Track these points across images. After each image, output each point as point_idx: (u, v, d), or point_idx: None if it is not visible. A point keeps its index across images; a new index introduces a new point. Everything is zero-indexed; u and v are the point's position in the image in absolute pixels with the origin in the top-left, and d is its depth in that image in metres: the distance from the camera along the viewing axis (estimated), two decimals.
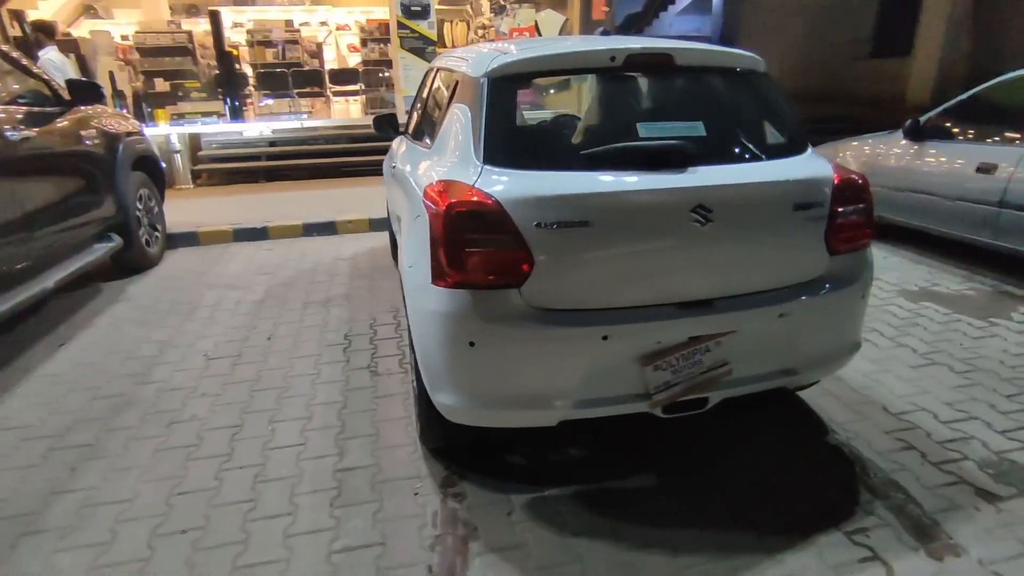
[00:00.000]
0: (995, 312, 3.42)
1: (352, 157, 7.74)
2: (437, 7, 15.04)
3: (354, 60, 13.86)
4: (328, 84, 11.06)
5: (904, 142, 4.54)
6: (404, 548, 1.79)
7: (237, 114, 7.85)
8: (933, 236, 4.36)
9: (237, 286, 4.12)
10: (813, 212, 1.83)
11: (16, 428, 2.46)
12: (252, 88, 10.96)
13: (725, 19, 16.04)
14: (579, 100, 6.46)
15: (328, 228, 5.53)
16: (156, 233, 4.64)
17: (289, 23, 12.87)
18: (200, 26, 11.69)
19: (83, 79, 3.78)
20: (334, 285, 4.13)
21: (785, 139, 1.99)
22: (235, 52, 11.48)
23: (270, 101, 10.07)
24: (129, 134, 4.28)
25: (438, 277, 1.71)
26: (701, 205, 1.69)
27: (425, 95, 2.99)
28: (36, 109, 3.37)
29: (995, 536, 1.80)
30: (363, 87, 11.07)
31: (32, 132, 3.17)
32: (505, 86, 1.87)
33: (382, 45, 12.08)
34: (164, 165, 5.17)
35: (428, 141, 2.40)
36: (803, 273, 1.89)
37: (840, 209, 1.88)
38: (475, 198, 1.66)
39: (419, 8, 8.60)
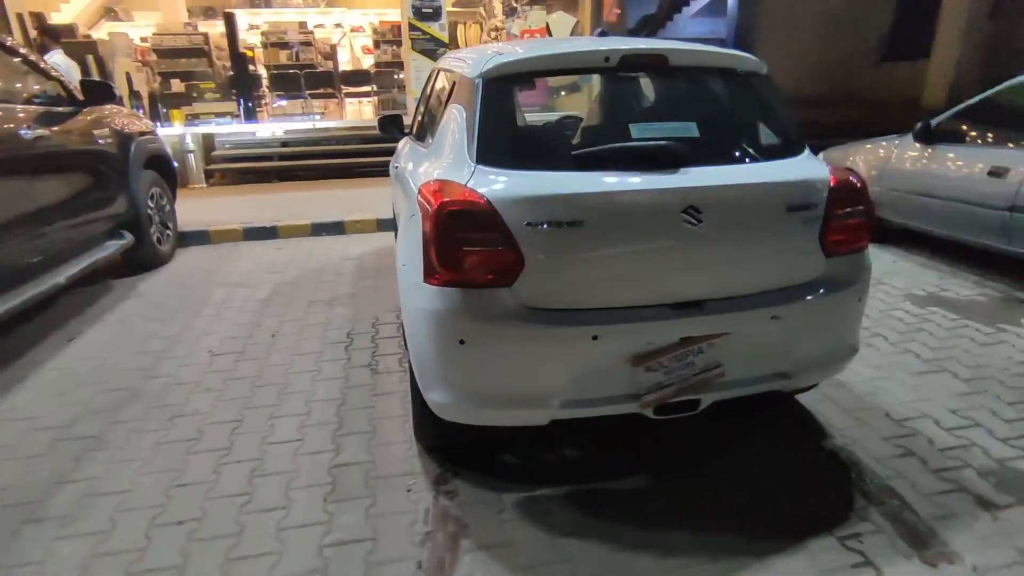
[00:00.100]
0: (1004, 319, 3.36)
1: (362, 158, 7.80)
2: (450, 9, 15.13)
3: (368, 62, 13.97)
4: (340, 86, 11.16)
5: (915, 145, 4.48)
6: (394, 544, 1.81)
7: (250, 115, 7.96)
8: (944, 241, 4.30)
9: (245, 284, 4.18)
10: (807, 214, 1.82)
11: (24, 419, 2.52)
12: (266, 89, 11.10)
13: (739, 22, 15.93)
14: (588, 102, 6.47)
15: (336, 228, 5.58)
16: (167, 231, 4.72)
17: (303, 25, 13.01)
18: (216, 28, 11.85)
19: (96, 80, 3.85)
20: (340, 284, 4.17)
21: (781, 140, 1.99)
22: (251, 54, 11.65)
23: (284, 102, 10.19)
24: (142, 134, 4.36)
25: (429, 275, 1.73)
26: (692, 206, 1.69)
27: (427, 96, 3.01)
28: (50, 109, 3.45)
29: (991, 544, 1.77)
30: (375, 88, 11.15)
31: (45, 131, 3.25)
32: (499, 86, 1.88)
33: (394, 47, 12.18)
34: (176, 164, 5.26)
35: (428, 141, 2.42)
36: (798, 275, 1.88)
37: (836, 211, 1.87)
38: (466, 197, 1.68)
39: (430, 10, 8.66)
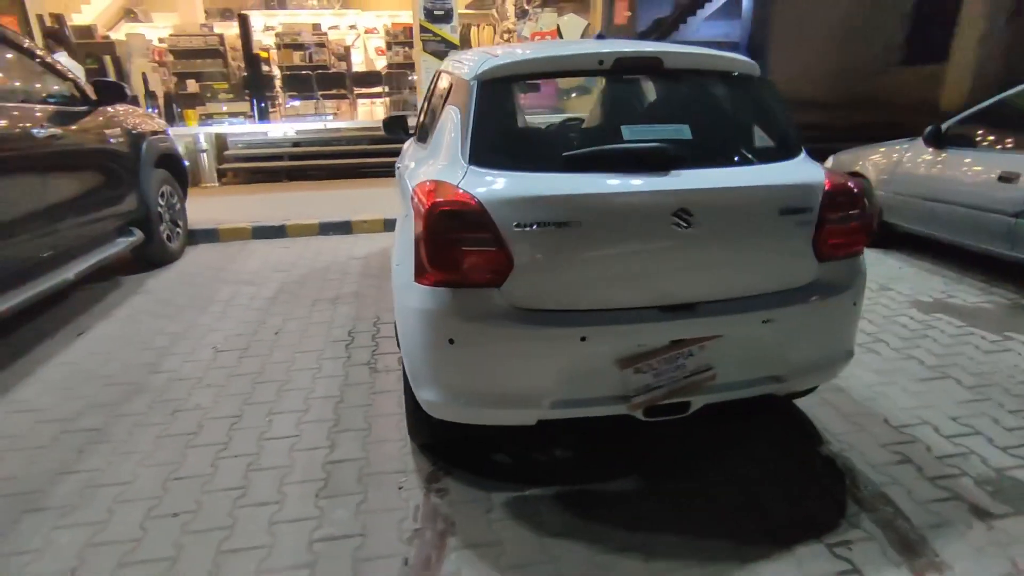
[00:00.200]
0: (1011, 326, 3.31)
1: (372, 159, 7.87)
2: (464, 11, 15.22)
3: (382, 63, 14.09)
4: (352, 87, 11.25)
5: (924, 149, 4.43)
6: (383, 540, 1.83)
7: (263, 115, 8.06)
8: (952, 246, 4.24)
9: (252, 282, 4.24)
10: (801, 217, 1.81)
11: (32, 411, 2.58)
12: (279, 90, 11.22)
13: (754, 25, 15.83)
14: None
15: (344, 227, 5.64)
16: (177, 229, 4.80)
17: (316, 26, 13.15)
18: (232, 29, 12.02)
19: (108, 80, 3.92)
20: (345, 283, 4.21)
21: (776, 143, 1.98)
22: (265, 55, 11.80)
23: (296, 103, 10.30)
24: (153, 133, 4.44)
25: (420, 275, 1.74)
26: (682, 208, 1.69)
27: (430, 97, 3.04)
28: (63, 108, 3.53)
29: (984, 554, 1.75)
30: (386, 89, 11.23)
31: (58, 130, 3.32)
32: (493, 88, 1.90)
33: (406, 48, 12.26)
34: (188, 163, 5.35)
35: (428, 141, 2.44)
36: (790, 279, 1.87)
37: (831, 215, 1.85)
38: (456, 198, 1.69)
39: (442, 12, 8.72)
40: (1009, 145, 3.99)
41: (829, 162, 5.38)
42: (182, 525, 1.89)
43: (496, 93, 1.91)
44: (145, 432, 2.41)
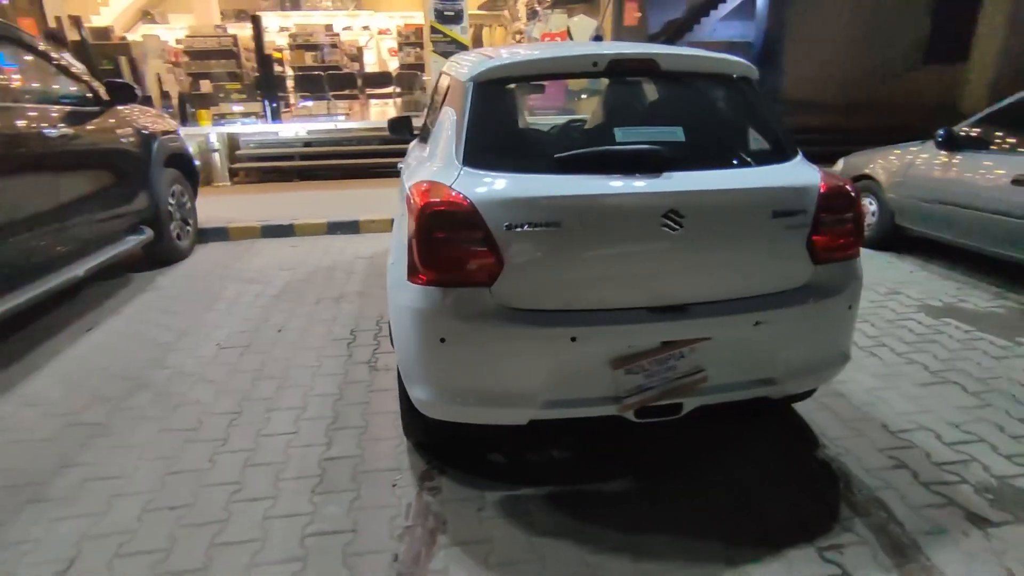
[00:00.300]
0: (1022, 331, 3.26)
1: (382, 159, 7.91)
2: (476, 12, 15.27)
3: (395, 64, 14.19)
4: (362, 87, 11.33)
5: (937, 152, 4.37)
6: (373, 536, 1.84)
7: (275, 115, 8.15)
8: (967, 251, 4.17)
9: (258, 280, 4.29)
10: (794, 220, 1.80)
11: (39, 405, 2.64)
12: (291, 90, 11.34)
13: (769, 26, 15.70)
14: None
15: (352, 227, 5.68)
16: (187, 227, 4.87)
17: (329, 27, 13.26)
18: (247, 30, 12.18)
19: (120, 80, 3.99)
20: (349, 282, 4.25)
21: (771, 145, 1.97)
22: (280, 55, 11.93)
23: (309, 103, 10.40)
24: (164, 133, 4.51)
25: (412, 274, 1.76)
26: (673, 210, 1.69)
27: (433, 98, 3.06)
28: (76, 108, 3.60)
29: (978, 561, 1.73)
30: (397, 90, 11.30)
31: (69, 130, 3.39)
32: (488, 90, 1.91)
33: (418, 49, 12.33)
34: (200, 163, 5.42)
35: (427, 142, 2.46)
36: (784, 282, 1.86)
37: (825, 218, 1.84)
38: (448, 198, 1.71)
39: (452, 13, 8.76)
40: None
41: (839, 165, 5.33)
42: (177, 518, 1.92)
43: (491, 95, 1.92)
44: (146, 427, 2.45)
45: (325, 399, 2.65)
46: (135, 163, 4.06)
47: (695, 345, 1.81)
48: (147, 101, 7.93)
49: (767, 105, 2.05)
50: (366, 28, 15.52)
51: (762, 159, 1.93)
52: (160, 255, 4.52)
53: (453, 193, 1.73)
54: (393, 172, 7.70)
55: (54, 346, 3.22)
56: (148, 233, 4.16)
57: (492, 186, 1.73)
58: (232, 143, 7.77)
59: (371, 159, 7.98)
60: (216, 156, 7.25)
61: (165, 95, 8.11)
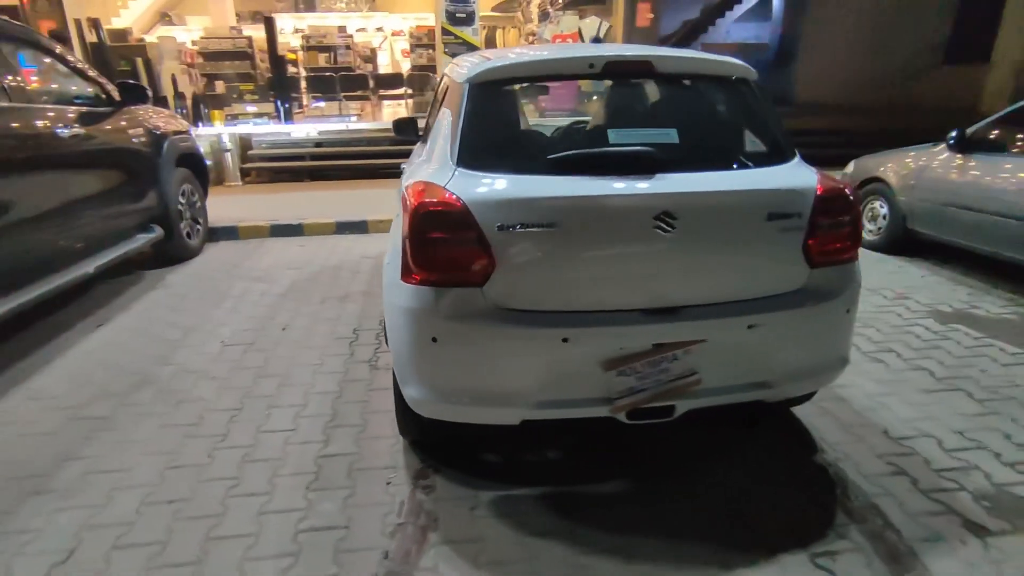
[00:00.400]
0: None
1: (392, 159, 7.96)
2: (490, 13, 15.30)
3: (408, 65, 14.27)
4: (374, 88, 11.41)
5: (949, 155, 4.30)
6: (366, 533, 1.86)
7: (288, 116, 8.24)
8: (980, 255, 4.10)
9: (265, 279, 4.34)
10: (789, 222, 1.79)
11: (46, 398, 2.69)
12: (304, 91, 11.44)
13: (784, 27, 15.56)
14: None
15: (360, 227, 5.72)
16: (197, 226, 4.94)
17: (342, 29, 13.38)
18: (262, 32, 12.32)
19: (132, 81, 4.06)
20: (355, 282, 4.28)
21: (768, 147, 1.95)
22: (294, 56, 12.06)
23: (321, 104, 10.50)
24: (176, 133, 4.58)
25: (406, 273, 1.77)
26: (666, 212, 1.68)
27: (433, 100, 3.08)
28: (88, 109, 3.67)
29: (975, 570, 1.70)
30: (409, 91, 11.37)
31: (81, 130, 3.46)
32: (485, 91, 1.92)
33: (430, 51, 12.38)
34: (212, 163, 5.49)
35: (427, 143, 2.48)
36: (779, 285, 1.84)
37: (822, 221, 1.82)
38: (441, 199, 1.72)
39: (464, 15, 8.80)
40: None
41: (850, 167, 5.26)
42: (175, 512, 1.95)
43: (487, 96, 1.93)
44: (149, 422, 2.49)
45: (325, 397, 2.67)
46: (146, 162, 4.13)
47: (688, 348, 1.80)
48: (162, 102, 8.08)
49: (766, 107, 2.03)
50: (380, 29, 15.64)
51: (759, 161, 1.92)
52: (170, 253, 4.58)
53: (447, 194, 1.74)
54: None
55: (64, 341, 3.28)
56: (158, 231, 4.23)
57: (485, 187, 1.74)
58: (244, 143, 7.86)
59: (381, 160, 8.03)
60: (228, 156, 7.34)
61: (180, 95, 8.22)
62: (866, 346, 3.14)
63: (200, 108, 7.74)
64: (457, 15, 8.84)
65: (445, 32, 8.81)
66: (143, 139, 4.11)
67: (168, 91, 8.53)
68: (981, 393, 2.67)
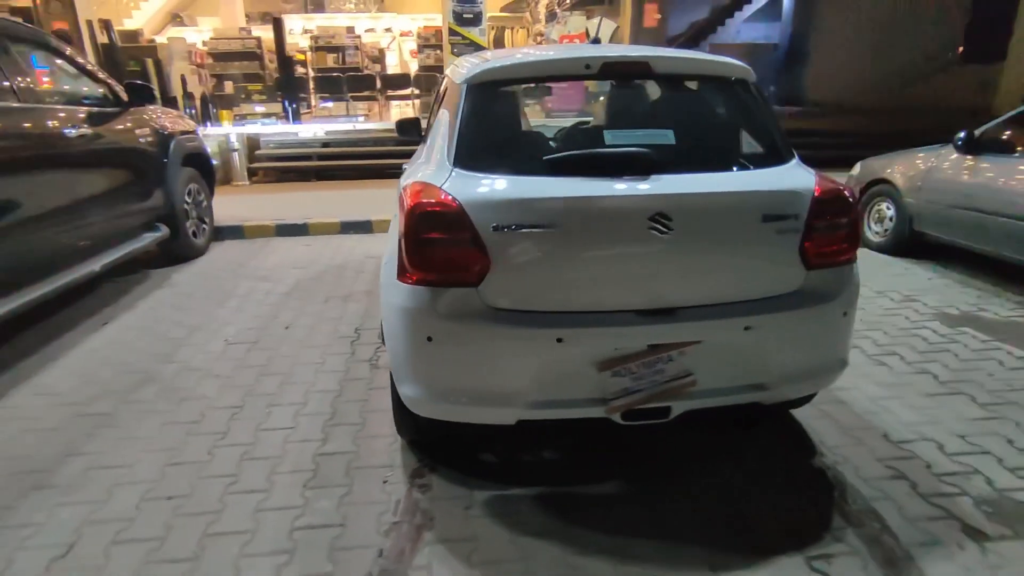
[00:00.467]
0: None
1: (397, 159, 8.00)
2: (499, 14, 15.31)
3: (416, 66, 14.32)
4: (382, 89, 11.45)
5: (957, 156, 4.26)
6: (361, 531, 1.87)
7: (295, 116, 8.30)
8: (989, 258, 4.05)
9: (269, 278, 4.37)
10: (785, 224, 1.78)
11: (51, 395, 2.73)
12: (312, 91, 11.51)
13: (794, 27, 15.46)
14: None
15: (364, 227, 5.75)
16: (204, 225, 4.98)
17: (350, 29, 13.44)
18: (270, 32, 12.41)
19: (139, 82, 4.11)
20: (358, 281, 4.30)
21: (766, 148, 1.95)
22: (302, 57, 12.13)
23: (329, 104, 10.55)
24: (183, 133, 4.63)
25: (401, 273, 1.78)
26: (660, 213, 1.68)
27: (433, 101, 3.09)
28: (96, 109, 3.72)
29: (972, 575, 1.68)
30: (416, 91, 11.41)
31: (88, 130, 3.50)
32: (481, 92, 1.93)
33: (438, 51, 12.40)
34: (219, 163, 5.54)
35: (426, 143, 2.49)
36: (775, 286, 1.83)
37: (819, 223, 1.81)
38: (436, 199, 1.73)
39: (471, 16, 8.81)
40: None
41: (856, 168, 5.22)
42: (174, 508, 1.97)
43: (484, 97, 1.93)
44: (151, 419, 2.52)
45: (325, 395, 2.69)
46: (152, 162, 4.17)
47: (684, 349, 1.80)
48: (171, 102, 8.15)
49: (765, 108, 2.02)
50: (388, 30, 15.71)
51: (756, 162, 1.91)
52: (176, 252, 4.63)
53: (443, 194, 1.75)
54: None
55: (70, 339, 3.32)
56: (164, 230, 4.28)
57: (480, 187, 1.74)
58: (252, 143, 7.92)
59: (387, 160, 8.06)
60: (236, 156, 7.40)
61: (189, 96, 8.30)
62: (871, 349, 3.11)
63: (209, 108, 7.81)
64: (464, 15, 8.86)
65: (452, 33, 8.83)
66: (150, 139, 4.16)
67: (177, 91, 8.62)
68: (985, 397, 2.64)
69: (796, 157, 1.97)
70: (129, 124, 3.99)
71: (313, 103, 11.09)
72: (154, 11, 13.57)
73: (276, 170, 8.01)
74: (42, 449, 2.31)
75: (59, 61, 3.70)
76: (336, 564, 1.75)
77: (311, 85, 11.56)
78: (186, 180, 4.59)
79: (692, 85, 2.06)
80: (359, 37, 13.43)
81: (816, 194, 1.82)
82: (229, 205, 6.07)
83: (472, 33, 8.96)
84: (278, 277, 4.39)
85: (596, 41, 2.38)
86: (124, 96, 3.98)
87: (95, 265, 3.49)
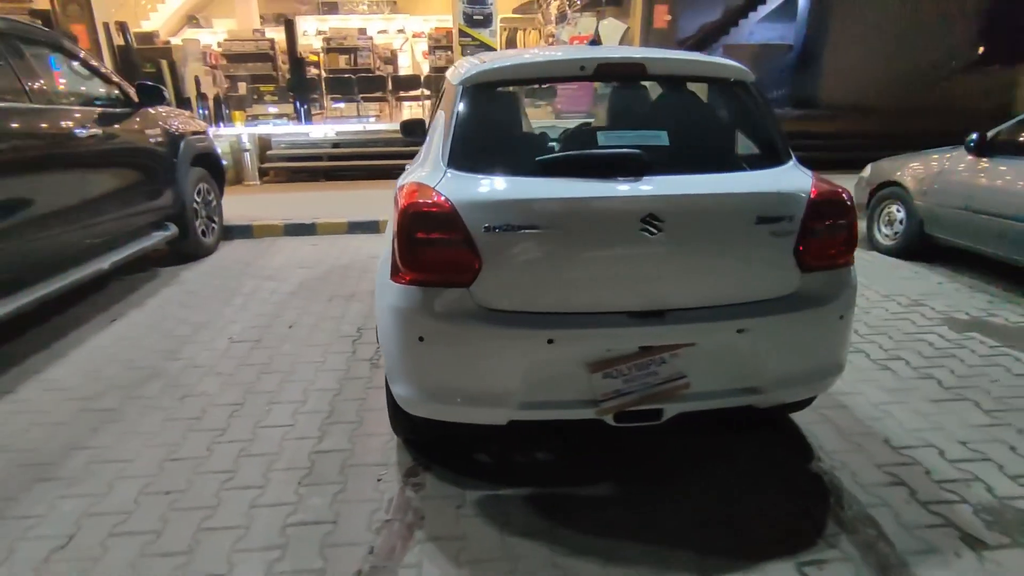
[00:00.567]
0: None
1: (406, 160, 8.05)
2: (511, 15, 15.33)
3: (428, 67, 14.39)
4: (392, 90, 11.51)
5: (968, 158, 4.19)
6: (352, 528, 1.89)
7: (307, 117, 8.38)
8: (1001, 262, 3.98)
9: (276, 277, 4.42)
10: (780, 226, 1.76)
11: (59, 390, 2.78)
12: (324, 92, 11.61)
13: (809, 27, 15.28)
14: None
15: (371, 227, 5.79)
16: (213, 224, 5.05)
17: (363, 31, 13.54)
18: (284, 33, 12.54)
19: (149, 83, 4.17)
20: (362, 281, 4.33)
21: (762, 150, 1.93)
22: (315, 58, 12.24)
23: (341, 105, 10.64)
24: (193, 133, 4.69)
25: (394, 273, 1.80)
26: (651, 214, 1.68)
27: (434, 102, 3.11)
28: (107, 110, 3.79)
29: None
30: (426, 93, 11.46)
31: (99, 130, 3.57)
32: (477, 93, 1.93)
33: (449, 52, 12.46)
34: (230, 163, 5.61)
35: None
36: (769, 289, 1.82)
37: (814, 225, 1.80)
38: (428, 199, 1.74)
39: (481, 17, 8.84)
40: None
41: (866, 171, 5.16)
42: (171, 502, 2.01)
43: (479, 98, 1.94)
44: (154, 414, 2.56)
45: (324, 394, 2.71)
46: (162, 162, 4.24)
47: (677, 351, 1.79)
48: (185, 103, 8.27)
49: (764, 109, 2.01)
50: (401, 31, 15.81)
51: (752, 163, 1.90)
52: (185, 251, 4.70)
53: (435, 195, 1.76)
54: None
55: (80, 335, 3.39)
56: (173, 229, 4.34)
57: (473, 188, 1.75)
58: (264, 143, 8.01)
59: (396, 160, 8.10)
60: (247, 156, 7.48)
61: (202, 96, 8.42)
62: (876, 353, 3.07)
63: (222, 109, 7.91)
64: (474, 17, 8.90)
65: (462, 34, 8.87)
66: (160, 139, 4.23)
67: (191, 92, 8.74)
68: (990, 403, 2.60)
69: (794, 159, 1.95)
70: (139, 125, 4.06)
71: (325, 104, 11.19)
72: (171, 13, 13.78)
73: (287, 170, 8.09)
74: (48, 442, 2.35)
75: (72, 63, 3.77)
76: (327, 560, 1.76)
77: (323, 86, 11.66)
78: (196, 180, 4.66)
79: (690, 87, 2.05)
80: (371, 39, 13.53)
81: (812, 196, 1.80)
82: (240, 204, 6.15)
83: (482, 35, 9.00)
84: (284, 276, 4.44)
85: (595, 42, 2.37)
86: (135, 97, 4.05)
87: (104, 263, 3.55)
